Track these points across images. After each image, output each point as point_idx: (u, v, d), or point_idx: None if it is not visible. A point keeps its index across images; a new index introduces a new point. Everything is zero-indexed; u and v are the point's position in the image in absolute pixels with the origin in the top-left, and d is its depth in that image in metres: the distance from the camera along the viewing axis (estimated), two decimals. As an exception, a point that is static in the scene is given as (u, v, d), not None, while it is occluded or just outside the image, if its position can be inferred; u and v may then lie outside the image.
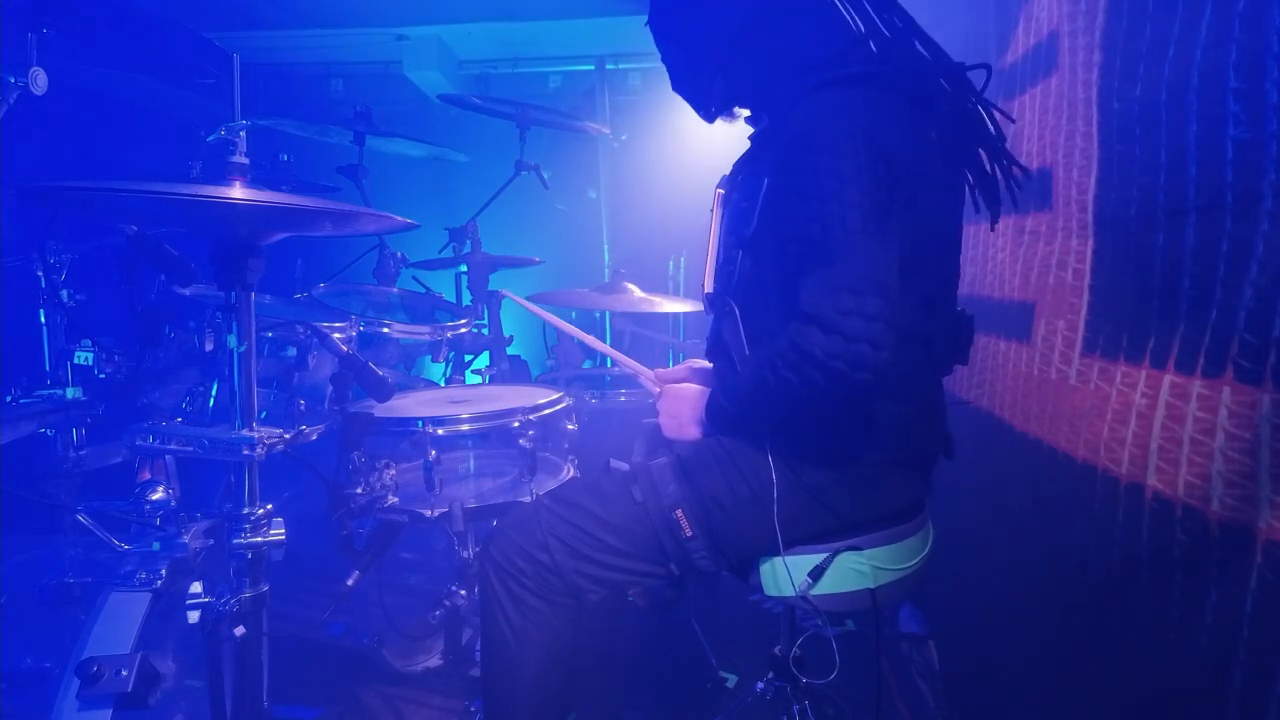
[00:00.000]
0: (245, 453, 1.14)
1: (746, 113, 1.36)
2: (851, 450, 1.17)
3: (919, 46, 1.20)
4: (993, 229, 1.32)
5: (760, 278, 1.20)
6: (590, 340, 1.62)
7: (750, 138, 1.34)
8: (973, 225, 1.90)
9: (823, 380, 1.03)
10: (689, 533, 1.17)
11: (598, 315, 3.59)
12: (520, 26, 3.93)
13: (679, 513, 1.18)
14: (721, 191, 1.32)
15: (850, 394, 1.04)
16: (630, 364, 1.50)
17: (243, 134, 1.15)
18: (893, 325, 1.02)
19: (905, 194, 1.08)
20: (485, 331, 2.63)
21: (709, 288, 1.32)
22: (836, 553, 1.18)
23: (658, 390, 1.39)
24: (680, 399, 1.32)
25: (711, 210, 1.33)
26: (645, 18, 1.34)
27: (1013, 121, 1.34)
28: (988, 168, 1.25)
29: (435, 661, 1.90)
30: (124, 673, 1.01)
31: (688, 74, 1.33)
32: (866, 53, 1.17)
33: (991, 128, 1.23)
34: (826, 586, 1.18)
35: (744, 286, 1.22)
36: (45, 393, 1.69)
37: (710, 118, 1.35)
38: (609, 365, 2.65)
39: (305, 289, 2.35)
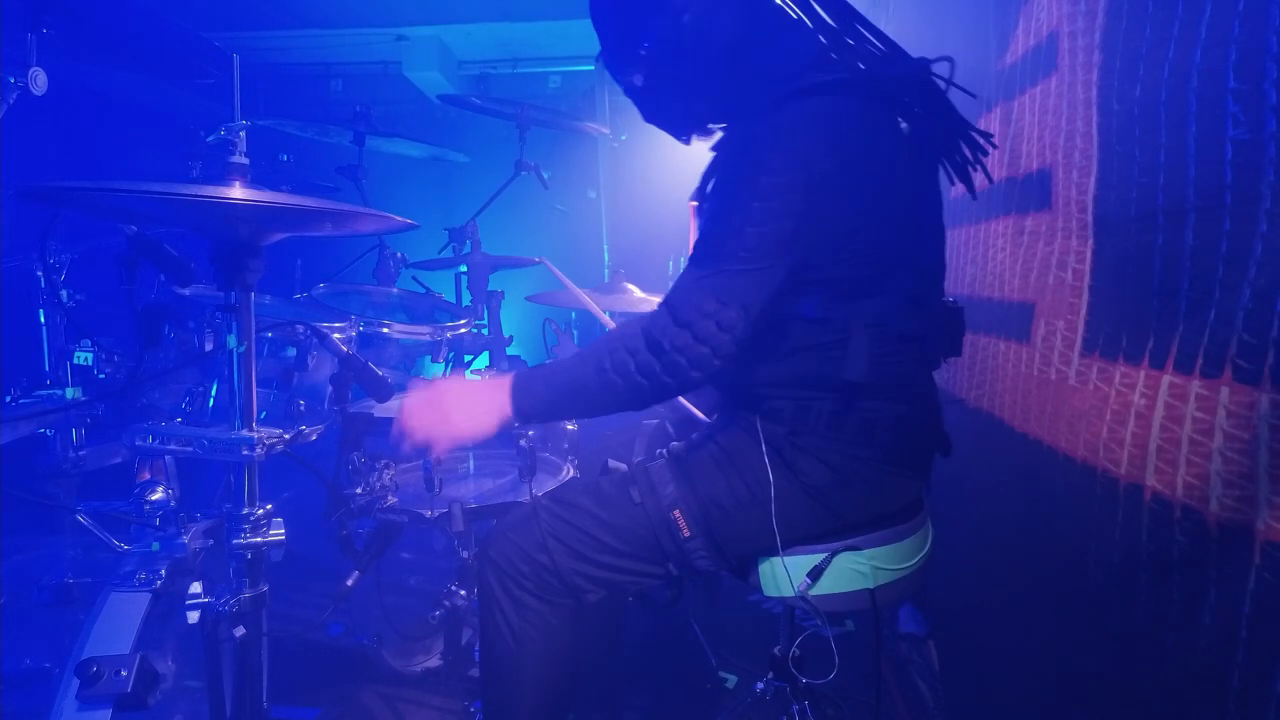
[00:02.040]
0: (245, 453, 1.14)
1: (720, 133, 1.35)
2: (849, 450, 1.17)
3: (879, 45, 1.19)
4: (974, 197, 1.32)
5: None
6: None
7: (712, 148, 1.32)
8: (972, 226, 1.89)
9: (659, 368, 1.06)
10: (687, 533, 1.17)
11: (597, 315, 3.58)
12: (520, 27, 3.93)
13: (677, 513, 1.18)
14: (695, 204, 1.33)
15: (677, 390, 1.08)
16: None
17: (243, 134, 1.15)
18: (740, 341, 1.06)
19: (827, 210, 1.07)
20: (485, 332, 2.62)
21: None
22: (835, 553, 1.18)
23: None
24: (450, 394, 1.21)
25: (690, 222, 1.34)
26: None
27: (973, 96, 1.33)
28: (965, 152, 1.25)
29: (435, 662, 1.90)
30: (124, 673, 1.01)
31: (659, 106, 1.30)
32: (829, 61, 1.17)
33: (958, 115, 1.23)
34: (826, 586, 1.18)
35: None
36: (45, 393, 1.69)
37: (687, 140, 1.35)
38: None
39: (305, 289, 2.35)
